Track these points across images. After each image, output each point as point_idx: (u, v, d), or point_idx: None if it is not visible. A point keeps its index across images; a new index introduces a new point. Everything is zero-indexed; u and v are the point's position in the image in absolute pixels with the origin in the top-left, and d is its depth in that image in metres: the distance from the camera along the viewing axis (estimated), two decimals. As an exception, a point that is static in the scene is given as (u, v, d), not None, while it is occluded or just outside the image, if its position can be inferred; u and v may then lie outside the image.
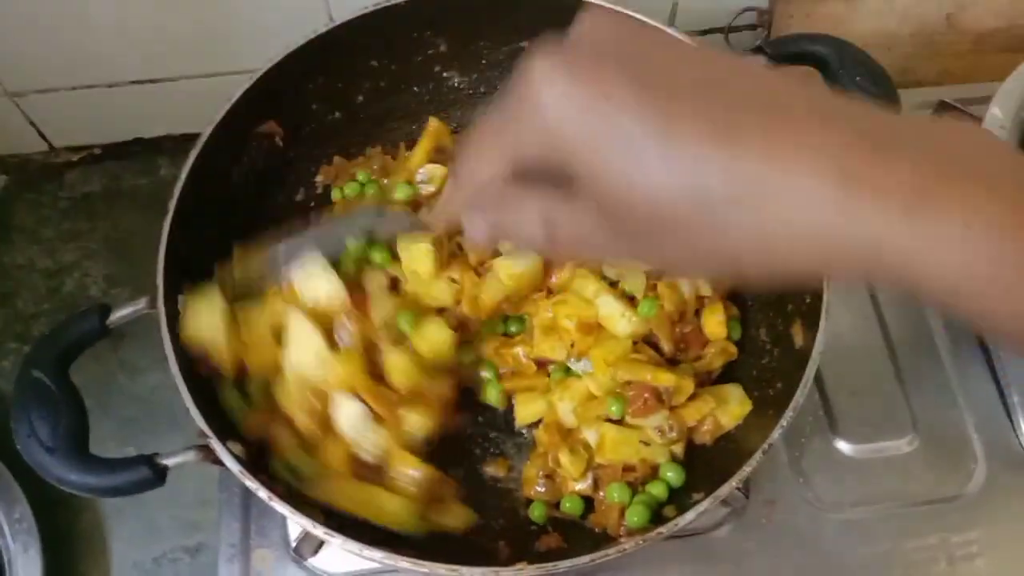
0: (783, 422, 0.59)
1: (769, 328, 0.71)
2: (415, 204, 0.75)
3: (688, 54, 0.36)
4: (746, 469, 0.57)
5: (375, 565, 0.70)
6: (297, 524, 0.57)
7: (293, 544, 0.71)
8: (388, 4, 0.73)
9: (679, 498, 0.65)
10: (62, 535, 0.79)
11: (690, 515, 0.56)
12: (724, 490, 0.56)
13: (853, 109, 0.34)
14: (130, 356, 0.88)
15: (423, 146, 0.78)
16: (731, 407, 0.67)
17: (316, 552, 0.71)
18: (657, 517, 0.65)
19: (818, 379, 0.80)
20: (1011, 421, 0.79)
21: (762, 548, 0.73)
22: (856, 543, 0.74)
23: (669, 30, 0.39)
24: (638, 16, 0.60)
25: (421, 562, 0.55)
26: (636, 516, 0.63)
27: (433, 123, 0.80)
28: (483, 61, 0.81)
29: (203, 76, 0.96)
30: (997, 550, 0.73)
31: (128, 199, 1.00)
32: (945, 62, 1.02)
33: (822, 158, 0.31)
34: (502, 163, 0.38)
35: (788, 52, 0.72)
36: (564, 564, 0.55)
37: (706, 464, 0.67)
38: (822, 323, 0.61)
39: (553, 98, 0.34)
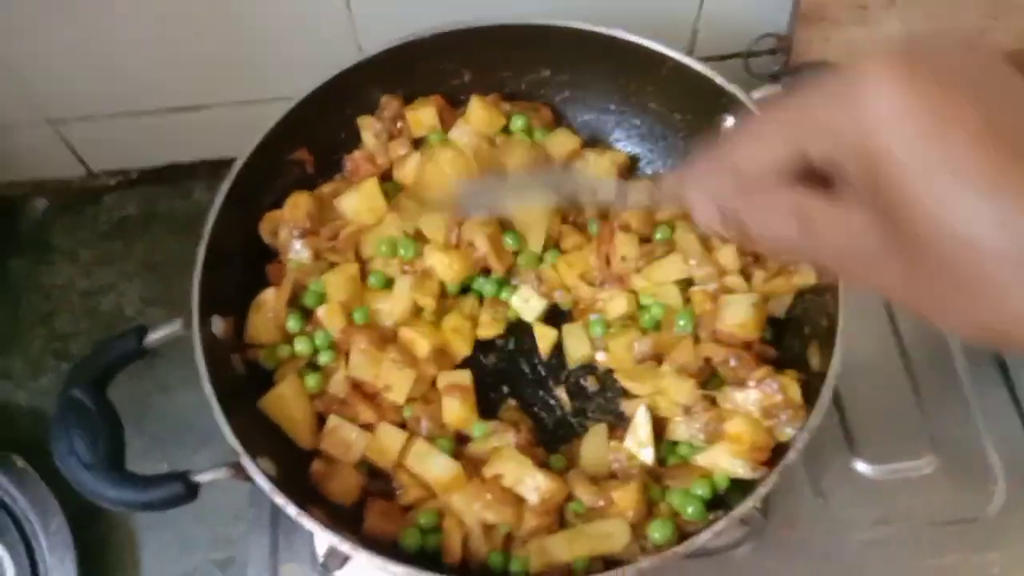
0: (799, 444, 0.60)
1: (786, 350, 0.72)
2: None
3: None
4: (762, 489, 0.58)
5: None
6: (324, 540, 0.59)
7: (320, 559, 0.73)
8: (415, 38, 0.76)
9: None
10: (96, 547, 0.82)
11: (706, 535, 0.57)
12: (740, 510, 0.57)
13: None
14: (164, 375, 0.91)
15: None
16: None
17: (342, 566, 0.73)
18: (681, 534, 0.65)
19: (836, 399, 0.80)
20: None
21: (782, 567, 0.74)
22: (875, 563, 0.74)
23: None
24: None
25: (440, 576, 0.57)
26: (659, 532, 0.64)
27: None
28: (506, 90, 0.83)
29: (236, 103, 0.99)
30: (1018, 571, 0.73)
31: (163, 222, 1.03)
32: (966, 85, 1.02)
33: None
34: (781, 152, 0.35)
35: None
36: (586, 580, 0.56)
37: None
38: (838, 346, 0.62)
39: (888, 103, 0.31)
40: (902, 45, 0.33)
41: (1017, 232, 0.30)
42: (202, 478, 0.60)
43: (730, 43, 1.02)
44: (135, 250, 1.01)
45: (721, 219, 0.38)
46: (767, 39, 1.00)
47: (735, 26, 1.00)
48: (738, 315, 0.67)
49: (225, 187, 0.69)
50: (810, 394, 0.63)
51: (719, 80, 0.73)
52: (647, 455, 0.67)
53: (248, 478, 0.60)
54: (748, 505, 0.57)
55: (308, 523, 0.58)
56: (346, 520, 0.65)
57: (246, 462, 0.59)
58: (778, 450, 0.64)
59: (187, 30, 0.90)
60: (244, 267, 0.74)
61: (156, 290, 0.98)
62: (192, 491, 0.60)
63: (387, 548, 0.60)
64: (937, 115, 0.31)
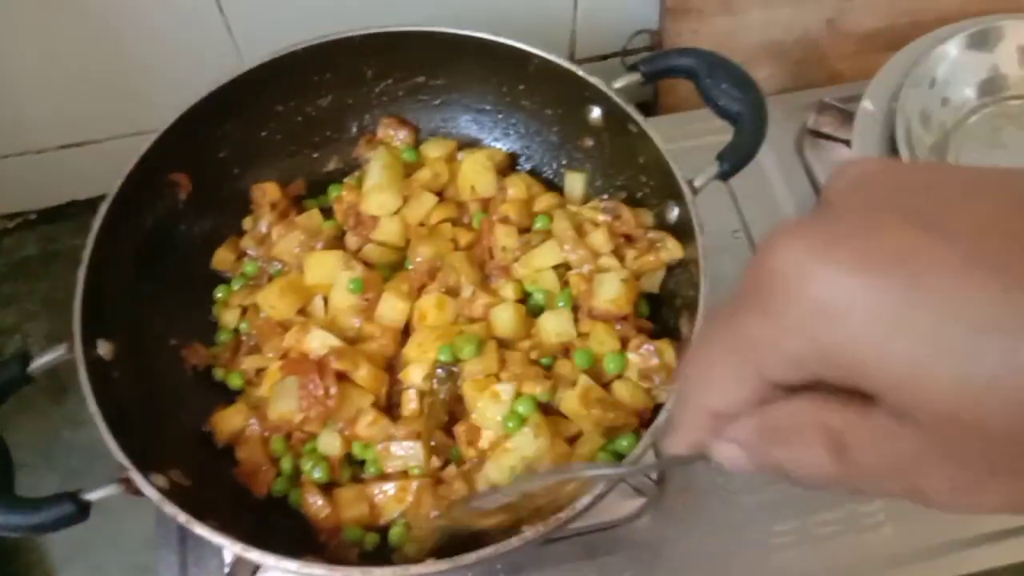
0: (669, 405, 0.62)
1: (662, 323, 0.76)
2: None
3: (968, 181, 0.26)
4: (636, 451, 0.60)
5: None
6: (224, 548, 0.60)
7: (227, 571, 0.74)
8: (292, 50, 0.78)
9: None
10: (12, 588, 0.82)
11: (586, 499, 0.59)
12: (618, 470, 0.60)
13: None
14: (73, 409, 0.91)
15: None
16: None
17: (251, 576, 0.74)
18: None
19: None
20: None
21: (681, 533, 0.77)
22: (768, 522, 0.77)
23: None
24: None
25: (335, 567, 0.58)
26: None
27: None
28: (384, 97, 0.86)
29: (129, 135, 1.00)
30: (900, 517, 0.77)
31: (65, 260, 1.03)
32: (833, 65, 1.08)
33: None
34: (746, 391, 0.29)
35: (660, 68, 0.77)
36: (470, 557, 0.58)
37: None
38: (700, 312, 0.65)
39: (820, 290, 0.24)
40: (801, 222, 0.26)
41: None
42: (92, 496, 0.60)
43: (607, 43, 1.06)
44: (37, 290, 1.01)
45: (755, 465, 0.31)
46: (641, 36, 1.05)
47: (611, 26, 1.04)
48: (610, 291, 0.70)
49: (103, 210, 0.70)
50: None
51: (580, 73, 0.77)
52: None
53: (139, 492, 0.61)
54: (622, 470, 0.60)
55: (200, 529, 0.59)
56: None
57: (135, 476, 0.60)
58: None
59: (74, 67, 0.91)
60: (131, 288, 0.75)
61: (61, 328, 0.95)
62: (83, 510, 0.60)
63: (280, 547, 0.61)
64: (871, 255, 0.24)
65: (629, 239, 0.75)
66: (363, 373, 0.70)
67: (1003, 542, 0.75)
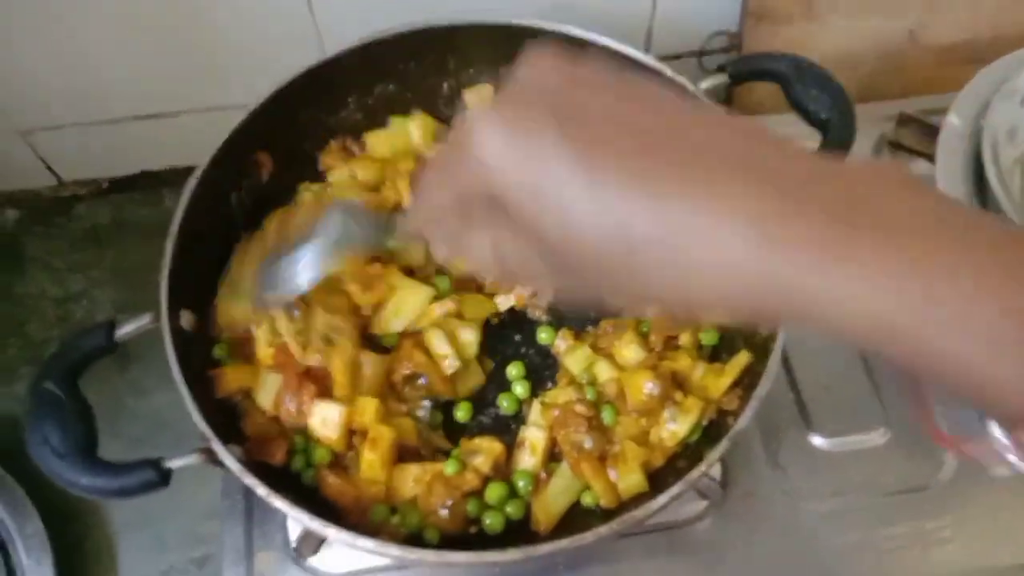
0: (749, 411, 0.62)
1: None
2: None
3: (624, 97, 0.36)
4: (713, 455, 0.60)
5: (371, 563, 0.74)
6: (295, 520, 0.61)
7: (294, 545, 0.75)
8: (376, 38, 0.79)
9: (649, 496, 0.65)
10: (74, 549, 0.83)
11: (662, 498, 0.59)
12: (694, 474, 0.60)
13: (777, 158, 0.34)
14: (137, 377, 0.92)
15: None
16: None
17: (316, 551, 0.74)
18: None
19: (791, 377, 0.83)
20: (977, 412, 0.82)
21: (742, 538, 0.76)
22: (832, 532, 0.77)
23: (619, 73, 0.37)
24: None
25: (411, 549, 0.58)
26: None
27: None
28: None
29: (203, 110, 1.01)
30: (968, 535, 0.76)
31: (133, 230, 1.05)
32: (910, 76, 1.06)
33: (736, 205, 0.32)
34: (449, 197, 0.40)
35: (750, 70, 0.76)
36: (544, 548, 0.58)
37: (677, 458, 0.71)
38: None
39: (485, 141, 0.36)
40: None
41: (612, 212, 0.33)
42: (174, 464, 0.61)
43: (684, 42, 1.05)
44: (106, 258, 1.02)
45: (449, 252, 0.44)
46: (719, 37, 1.04)
47: (688, 24, 1.03)
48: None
49: (190, 186, 0.71)
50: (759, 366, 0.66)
51: (669, 72, 0.76)
52: None
53: (219, 463, 0.62)
54: (701, 470, 0.60)
55: (278, 502, 0.60)
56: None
57: (216, 446, 0.61)
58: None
59: (154, 38, 0.92)
60: (213, 262, 0.75)
61: (127, 295, 1.00)
62: (164, 477, 0.61)
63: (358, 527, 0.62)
64: (519, 131, 0.35)
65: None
66: None
67: (1075, 569, 0.75)
